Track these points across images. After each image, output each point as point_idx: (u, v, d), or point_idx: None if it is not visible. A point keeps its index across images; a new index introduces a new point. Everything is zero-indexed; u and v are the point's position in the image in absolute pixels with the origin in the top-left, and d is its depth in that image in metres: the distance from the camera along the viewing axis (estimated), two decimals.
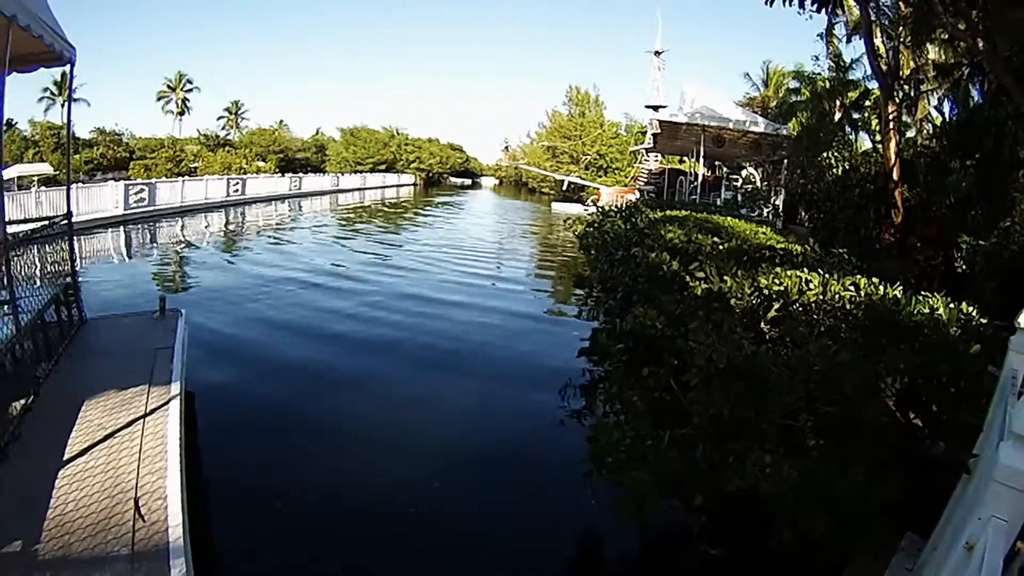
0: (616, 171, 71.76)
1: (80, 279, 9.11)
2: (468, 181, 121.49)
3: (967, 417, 4.54)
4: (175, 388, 6.50)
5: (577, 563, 6.14)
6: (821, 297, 5.84)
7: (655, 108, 48.09)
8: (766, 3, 11.11)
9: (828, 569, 4.65)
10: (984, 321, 5.58)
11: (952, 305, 5.71)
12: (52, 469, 5.03)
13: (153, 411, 6.01)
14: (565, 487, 6.89)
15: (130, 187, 30.41)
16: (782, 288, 5.98)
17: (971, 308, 5.71)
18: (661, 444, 4.61)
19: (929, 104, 27.04)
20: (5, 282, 6.11)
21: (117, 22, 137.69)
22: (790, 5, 11.01)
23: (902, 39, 22.29)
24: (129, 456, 5.22)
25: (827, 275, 6.35)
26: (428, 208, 52.62)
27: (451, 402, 9.72)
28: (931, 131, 25.69)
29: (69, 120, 9.06)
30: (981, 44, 11.83)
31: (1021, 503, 2.76)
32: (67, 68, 7.99)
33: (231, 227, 31.91)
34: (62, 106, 79.70)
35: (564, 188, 65.23)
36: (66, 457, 5.20)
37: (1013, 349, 4.22)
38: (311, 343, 11.91)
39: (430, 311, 14.84)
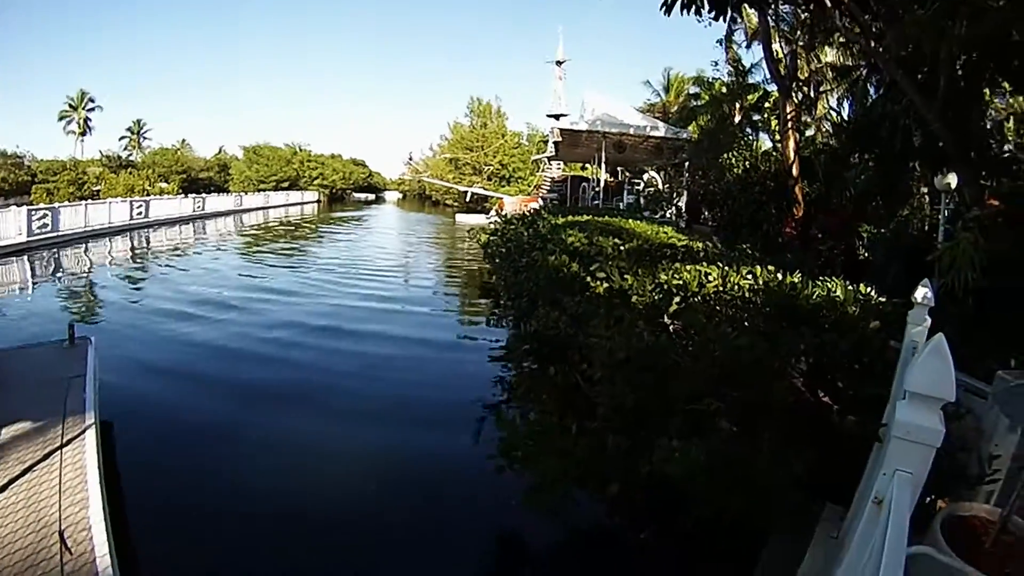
0: (519, 180, 72.10)
1: None
2: (372, 196, 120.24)
3: (873, 389, 4.79)
4: (90, 417, 6.38)
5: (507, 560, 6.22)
6: (721, 288, 6.08)
7: (556, 117, 48.58)
8: (663, 11, 11.40)
9: (751, 543, 4.85)
10: (883, 300, 5.90)
11: (850, 287, 6.03)
12: None
13: (70, 441, 5.89)
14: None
15: (33, 212, 29.19)
16: (682, 282, 6.20)
17: (868, 289, 6.04)
18: (569, 435, 4.76)
19: (828, 104, 28.12)
20: None
21: (15, 38, 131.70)
22: (688, 14, 11.32)
23: (800, 44, 23.24)
24: (49, 489, 5.10)
25: (727, 268, 6.62)
26: (331, 225, 51.89)
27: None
28: (830, 129, 26.76)
29: None
30: (875, 45, 12.43)
31: (921, 455, 3.01)
32: None
33: (135, 251, 30.98)
34: None
35: (468, 199, 65.32)
36: None
37: (911, 322, 4.54)
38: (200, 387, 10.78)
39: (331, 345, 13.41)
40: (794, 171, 19.66)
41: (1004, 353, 5.92)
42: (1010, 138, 16.97)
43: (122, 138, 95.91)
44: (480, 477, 6.93)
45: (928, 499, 3.88)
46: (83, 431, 6.04)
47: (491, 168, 75.48)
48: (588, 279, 7.20)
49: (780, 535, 4.82)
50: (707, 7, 11.33)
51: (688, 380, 4.63)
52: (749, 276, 6.22)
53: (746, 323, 5.58)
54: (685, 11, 11.28)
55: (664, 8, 11.38)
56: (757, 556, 4.82)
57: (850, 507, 4.53)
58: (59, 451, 5.68)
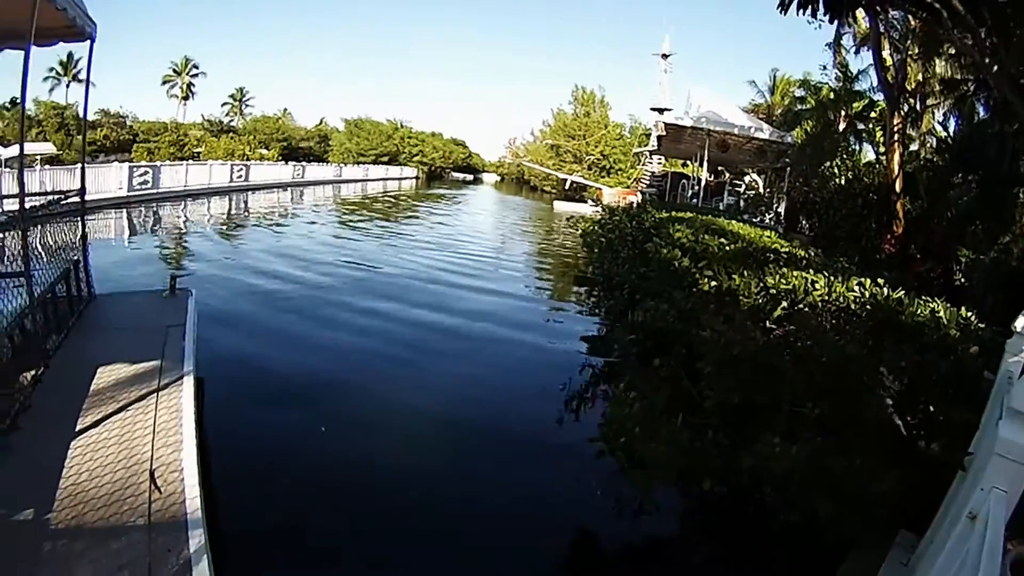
0: (619, 172, 71.63)
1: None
2: (470, 177, 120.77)
3: (963, 416, 4.65)
4: (188, 365, 6.52)
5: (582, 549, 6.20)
6: (826, 297, 5.96)
7: (660, 111, 47.77)
8: (780, 10, 11.18)
9: (824, 567, 4.76)
10: (982, 326, 5.70)
11: (952, 309, 5.84)
12: (64, 439, 5.02)
13: (166, 386, 6.02)
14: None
15: (135, 169, 30.33)
16: (789, 287, 6.11)
17: (970, 314, 5.85)
18: (675, 424, 4.74)
19: (934, 118, 27.13)
20: (19, 254, 6.13)
21: (121, 2, 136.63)
22: (803, 13, 11.09)
23: (909, 52, 22.45)
24: (143, 429, 5.23)
25: (832, 277, 6.49)
26: (428, 203, 51.89)
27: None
28: (934, 145, 25.85)
29: (87, 98, 8.83)
30: (988, 60, 11.95)
31: (1019, 474, 2.96)
32: (87, 44, 7.86)
33: (231, 213, 31.88)
34: (67, 86, 79.54)
35: (566, 187, 65.07)
36: (79, 428, 5.21)
37: (1009, 351, 4.38)
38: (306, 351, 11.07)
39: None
40: (897, 186, 19.12)
41: None
42: None
43: (224, 104, 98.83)
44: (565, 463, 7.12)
45: (1005, 535, 3.75)
46: (180, 377, 6.18)
47: (592, 158, 75.23)
48: (697, 276, 7.14)
49: (856, 556, 4.73)
50: (823, 8, 11.08)
51: (792, 383, 4.57)
52: (856, 287, 6.08)
53: (848, 333, 5.45)
54: (801, 11, 11.06)
55: (781, 7, 11.17)
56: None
57: (925, 534, 4.44)
58: (155, 394, 5.83)
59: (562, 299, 17.59)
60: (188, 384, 6.07)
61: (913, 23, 20.63)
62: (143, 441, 5.06)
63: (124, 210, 26.66)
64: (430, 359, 10.95)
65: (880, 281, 6.36)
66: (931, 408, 5.18)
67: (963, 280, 16.35)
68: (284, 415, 8.01)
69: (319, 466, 6.80)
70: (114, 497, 4.36)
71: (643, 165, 53.71)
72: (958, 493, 4.08)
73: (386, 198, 52.77)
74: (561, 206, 53.29)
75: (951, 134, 24.84)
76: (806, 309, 5.87)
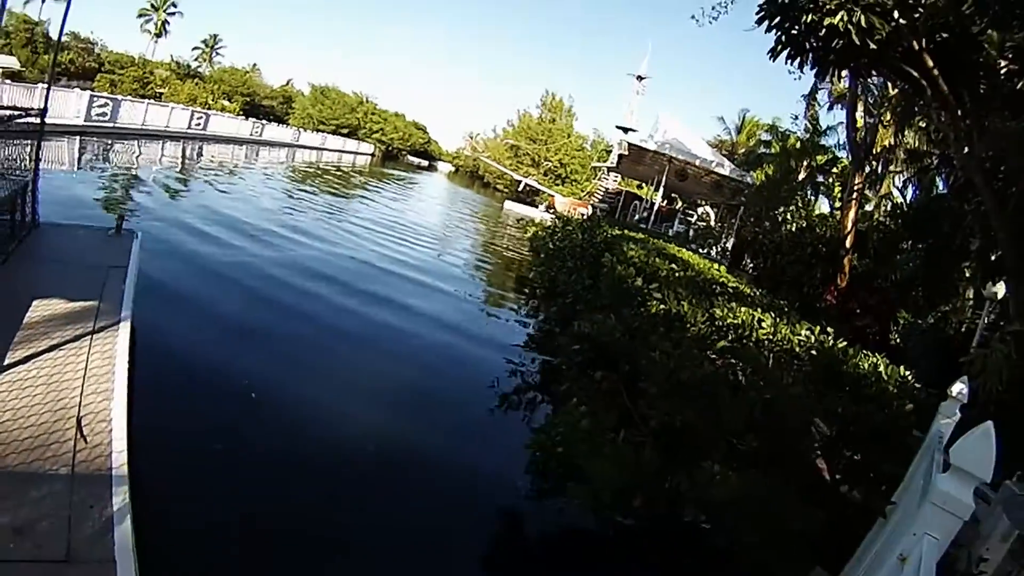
0: (574, 182, 71.75)
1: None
2: (425, 163, 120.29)
3: (889, 468, 4.83)
4: (126, 310, 6.26)
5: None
6: (771, 337, 6.10)
7: (625, 130, 48.23)
8: (770, 56, 11.39)
9: None
10: (919, 386, 5.92)
11: (892, 366, 6.03)
12: None
13: (101, 329, 5.77)
14: None
15: (95, 99, 29.45)
16: (736, 322, 6.22)
17: (908, 373, 6.05)
18: (619, 442, 4.79)
19: (893, 183, 27.94)
20: None
21: None
22: (790, 63, 11.33)
23: (881, 118, 23.07)
24: (74, 372, 5.01)
25: (777, 318, 6.64)
26: (382, 182, 51.34)
27: None
28: (889, 208, 26.59)
29: (65, 18, 8.44)
30: (959, 141, 12.38)
31: (950, 524, 3.18)
32: None
33: (185, 160, 31.22)
34: (42, 0, 77.15)
35: (519, 188, 65.12)
36: (7, 362, 4.96)
37: (942, 413, 4.61)
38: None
39: None
40: (848, 242, 19.65)
41: (1012, 466, 5.94)
42: None
43: (195, 48, 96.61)
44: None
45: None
46: (117, 322, 5.94)
47: (549, 164, 75.41)
48: (647, 296, 7.21)
49: None
50: (810, 64, 11.32)
51: (733, 415, 4.66)
52: (805, 332, 6.23)
53: (789, 375, 5.59)
54: (789, 61, 11.27)
55: (771, 53, 11.37)
56: None
57: (840, 573, 4.58)
58: (89, 336, 5.59)
59: (499, 303, 17.25)
60: (124, 330, 5.84)
61: (891, 91, 21.21)
62: (72, 385, 4.85)
63: (77, 139, 25.78)
64: (351, 351, 10.40)
65: (829, 330, 6.53)
66: (855, 456, 5.33)
67: (899, 341, 16.87)
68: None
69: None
70: (38, 442, 4.16)
71: (599, 180, 54.15)
72: (878, 538, 4.25)
73: (340, 171, 52.04)
74: (511, 206, 53.29)
75: (907, 201, 25.66)
76: (751, 345, 5.98)
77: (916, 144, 24.00)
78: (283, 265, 14.04)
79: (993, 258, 14.09)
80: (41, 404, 4.57)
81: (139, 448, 4.63)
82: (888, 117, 23.14)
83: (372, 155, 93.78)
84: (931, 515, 3.17)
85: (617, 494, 4.66)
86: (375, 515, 5.84)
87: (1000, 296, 12.14)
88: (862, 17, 9.97)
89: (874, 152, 24.08)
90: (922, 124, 21.29)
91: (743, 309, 6.61)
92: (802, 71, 11.55)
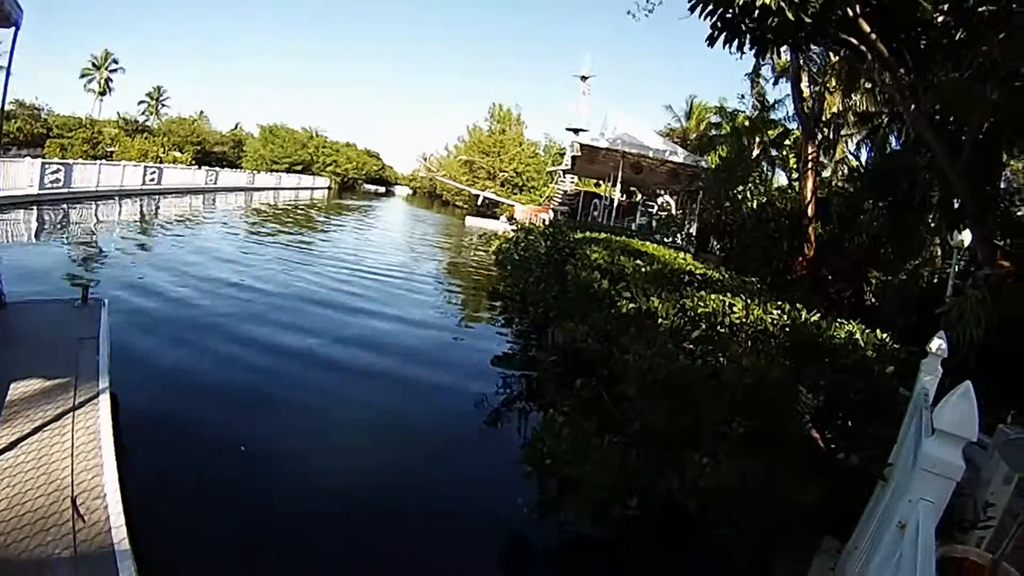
0: (532, 189, 71.81)
1: None
2: (382, 189, 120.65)
3: (880, 431, 4.92)
4: (103, 381, 6.17)
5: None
6: (744, 319, 6.16)
7: (576, 131, 48.43)
8: (708, 43, 11.53)
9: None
10: (897, 347, 6.01)
11: (868, 331, 6.13)
12: None
13: (82, 404, 5.71)
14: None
15: (47, 166, 29.06)
16: (707, 310, 6.28)
17: (884, 335, 6.15)
18: (604, 446, 4.84)
19: (847, 147, 28.31)
20: None
21: None
22: (728, 47, 11.46)
23: (827, 85, 23.42)
24: (61, 452, 4.96)
25: (748, 300, 6.71)
26: (341, 215, 51.18)
27: None
28: (846, 173, 26.96)
29: (5, 89, 8.29)
30: (905, 98, 12.58)
31: (943, 487, 3.24)
32: (11, 30, 7.48)
33: (143, 218, 30.84)
34: None
35: (479, 203, 65.12)
36: None
37: (924, 370, 4.71)
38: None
39: None
40: (809, 211, 19.89)
41: (1003, 408, 6.05)
42: None
43: (141, 103, 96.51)
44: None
45: None
46: (96, 395, 5.87)
47: (505, 175, 75.46)
48: (616, 298, 7.25)
49: (783, 564, 4.91)
50: (749, 44, 11.46)
51: (715, 404, 4.72)
52: (774, 311, 6.31)
53: (766, 354, 5.66)
54: (727, 45, 11.41)
55: (708, 41, 11.52)
56: None
57: (849, 539, 4.67)
58: (71, 413, 5.52)
59: (475, 319, 17.11)
60: (104, 402, 5.78)
61: (833, 59, 21.55)
62: (62, 465, 4.80)
63: (34, 209, 25.60)
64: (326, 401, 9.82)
65: (799, 305, 6.62)
66: (849, 423, 5.42)
67: (874, 300, 17.08)
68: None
69: None
70: (37, 527, 4.13)
71: (556, 183, 54.37)
72: (880, 501, 4.33)
73: (298, 208, 51.75)
74: (473, 222, 53.27)
75: (863, 163, 25.98)
76: (724, 331, 6.05)
77: (864, 106, 24.37)
78: (252, 315, 13.64)
79: (955, 207, 14.33)
80: (34, 488, 4.52)
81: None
82: (833, 83, 23.52)
83: (328, 188, 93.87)
84: (923, 480, 3.25)
85: (609, 497, 4.71)
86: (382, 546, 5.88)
87: (967, 244, 12.34)
88: None
89: (824, 119, 24.44)
90: (868, 86, 21.62)
91: (713, 296, 6.67)
92: (742, 52, 11.68)
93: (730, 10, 10.91)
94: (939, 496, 3.23)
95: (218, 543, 5.59)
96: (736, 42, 11.38)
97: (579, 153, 34.86)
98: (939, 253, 18.09)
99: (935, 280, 16.22)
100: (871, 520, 4.35)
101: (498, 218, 50.74)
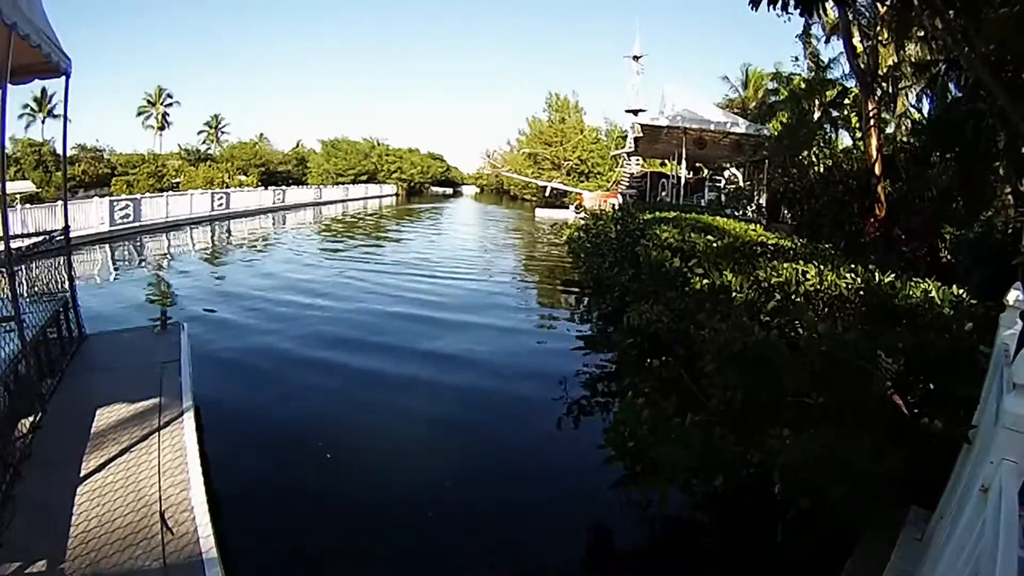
0: (598, 175, 71.52)
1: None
2: (449, 190, 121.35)
3: (963, 391, 4.74)
4: (187, 400, 6.42)
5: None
6: (818, 287, 6.03)
7: (635, 112, 47.77)
8: (752, 6, 11.30)
9: (836, 551, 4.79)
10: (975, 302, 5.79)
11: (943, 288, 5.92)
12: (70, 485, 4.93)
13: (167, 423, 5.94)
14: None
15: (115, 203, 30.11)
16: (781, 280, 6.16)
17: (961, 291, 5.94)
18: (684, 425, 4.78)
19: (907, 100, 27.43)
20: (8, 298, 6.06)
21: (95, 34, 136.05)
22: (773, 9, 11.21)
23: (879, 38, 22.69)
24: (148, 470, 5.15)
25: (822, 266, 6.55)
26: (410, 220, 51.37)
27: None
28: (910, 127, 26.11)
29: (65, 135, 8.70)
30: (959, 41, 12.13)
31: None
32: (63, 80, 7.78)
33: (215, 243, 31.44)
34: (43, 122, 79.30)
35: (546, 194, 65.09)
36: (83, 473, 5.12)
37: (1003, 324, 4.50)
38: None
39: None
40: (876, 170, 19.27)
41: None
42: None
43: (200, 132, 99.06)
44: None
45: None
46: (180, 414, 6.11)
47: (570, 163, 75.29)
48: (688, 275, 7.18)
49: (869, 536, 4.79)
50: (792, 3, 11.20)
51: (793, 375, 4.63)
52: (848, 275, 6.15)
53: (842, 320, 5.53)
54: (771, 6, 11.17)
55: (752, 4, 11.29)
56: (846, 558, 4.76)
57: (936, 509, 4.52)
58: (157, 433, 5.74)
59: (554, 307, 17.18)
60: (189, 420, 5.99)
61: (881, 9, 20.87)
62: (150, 482, 4.98)
63: (107, 245, 26.48)
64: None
65: (871, 267, 6.44)
66: (931, 386, 5.25)
67: (949, 257, 16.52)
68: None
69: None
70: (127, 542, 4.28)
71: (621, 167, 53.94)
72: (965, 466, 4.17)
73: (367, 218, 52.28)
74: (543, 213, 53.17)
75: (925, 115, 25.14)
76: (799, 300, 5.92)
77: (920, 55, 23.58)
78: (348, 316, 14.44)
79: (1023, 151, 13.77)
80: (124, 506, 4.71)
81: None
82: (885, 35, 22.76)
83: (396, 195, 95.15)
84: (1006, 440, 3.04)
85: (692, 477, 4.66)
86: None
87: None
88: None
89: (880, 73, 23.68)
90: (920, 34, 20.91)
91: (786, 265, 6.54)
92: (788, 13, 11.42)
93: None
94: (1022, 455, 3.04)
95: None
96: (779, 3, 11.14)
97: (640, 134, 34.51)
98: (1011, 202, 17.37)
99: (1009, 231, 15.62)
100: (957, 487, 4.19)
101: (567, 207, 50.61)
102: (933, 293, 5.80)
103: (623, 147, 50.90)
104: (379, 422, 8.67)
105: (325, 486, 6.75)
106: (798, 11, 11.54)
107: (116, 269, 22.31)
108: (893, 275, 6.28)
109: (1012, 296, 4.50)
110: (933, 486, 4.59)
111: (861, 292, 5.90)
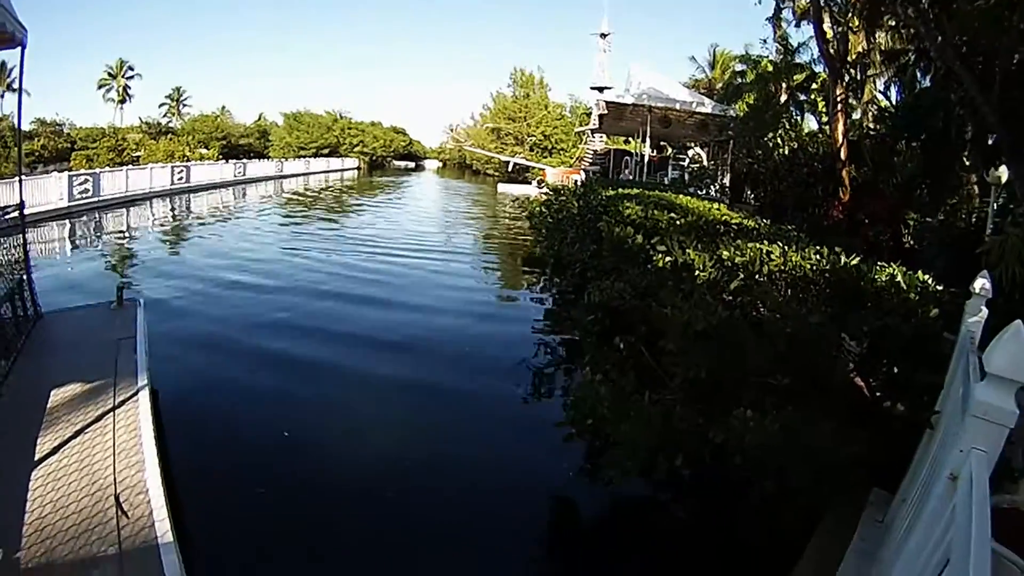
0: (561, 152, 71.50)
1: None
2: (412, 164, 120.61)
3: (925, 377, 4.77)
4: (142, 379, 6.26)
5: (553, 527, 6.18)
6: (782, 267, 6.02)
7: (600, 89, 47.96)
8: None
9: (800, 529, 4.82)
10: (940, 288, 5.83)
11: (910, 273, 5.95)
12: (25, 470, 4.80)
13: (122, 403, 5.79)
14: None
15: (74, 178, 29.42)
16: (745, 259, 6.15)
17: (927, 277, 5.97)
18: (644, 403, 4.77)
19: (875, 88, 27.65)
20: None
21: (52, 5, 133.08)
22: None
23: (850, 24, 22.83)
24: (103, 451, 5.02)
25: (786, 247, 6.55)
26: (372, 193, 51.38)
27: None
28: (876, 113, 26.37)
29: (20, 107, 8.47)
30: (931, 31, 12.23)
31: (996, 434, 3.06)
32: (19, 51, 7.49)
33: (175, 217, 31.17)
34: (0, 96, 77.38)
35: (509, 169, 65.08)
36: (38, 457, 4.98)
37: (968, 312, 4.55)
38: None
39: None
40: (842, 154, 19.49)
41: None
42: None
43: (161, 105, 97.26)
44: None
45: None
46: (135, 393, 5.95)
47: (533, 139, 75.19)
48: (651, 252, 7.15)
49: (832, 516, 4.84)
50: None
51: (756, 355, 4.62)
52: (814, 256, 6.15)
53: (809, 303, 5.54)
54: None
55: None
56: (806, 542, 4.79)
57: (897, 492, 4.60)
58: (111, 413, 5.60)
59: (515, 285, 17.37)
60: (144, 400, 5.85)
61: None
62: (104, 464, 4.87)
63: (67, 221, 25.92)
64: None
65: (837, 249, 6.45)
66: (894, 370, 5.28)
67: (912, 243, 16.73)
68: None
69: None
70: (82, 528, 4.19)
71: (585, 144, 54.04)
72: (928, 450, 4.21)
73: (329, 191, 52.22)
74: (505, 188, 53.30)
75: (893, 103, 25.39)
76: (763, 280, 5.91)
77: (890, 44, 23.77)
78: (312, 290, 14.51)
79: (990, 142, 13.95)
80: (78, 491, 4.59)
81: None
82: (856, 22, 22.90)
83: (358, 168, 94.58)
84: (975, 428, 3.08)
85: (651, 456, 4.65)
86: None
87: (1004, 179, 11.94)
88: None
89: (849, 60, 23.85)
90: (891, 23, 21.07)
91: (750, 245, 6.52)
92: None
93: None
94: (992, 444, 3.06)
95: None
96: None
97: (605, 111, 34.53)
98: (976, 191, 17.62)
99: (974, 219, 15.85)
100: (920, 470, 4.23)
101: (530, 183, 50.65)
102: (899, 278, 5.82)
103: (588, 124, 50.96)
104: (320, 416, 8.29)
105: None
106: None
107: (74, 246, 21.79)
108: (858, 258, 6.29)
109: (978, 284, 4.53)
110: (894, 468, 4.65)
111: (826, 274, 5.91)
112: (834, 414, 4.43)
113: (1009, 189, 12.14)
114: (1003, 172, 11.77)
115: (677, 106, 30.27)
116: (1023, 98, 12.62)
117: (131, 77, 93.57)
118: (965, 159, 16.85)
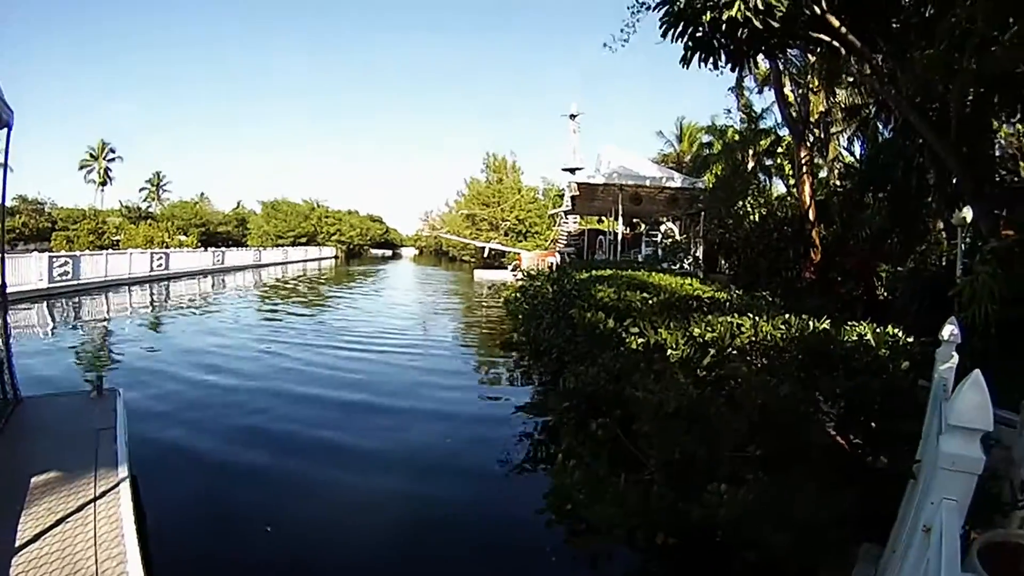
0: (536, 235, 71.73)
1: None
2: (388, 252, 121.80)
3: (905, 427, 4.85)
4: (123, 470, 6.21)
5: None
6: (754, 338, 6.12)
7: (572, 171, 48.43)
8: (683, 64, 11.66)
9: None
10: (911, 340, 5.94)
11: (879, 330, 6.07)
12: (5, 557, 4.75)
13: (104, 494, 5.73)
14: None
15: (54, 259, 29.57)
16: (716, 335, 6.25)
17: (896, 330, 6.10)
18: (619, 485, 4.82)
19: (839, 144, 28.34)
20: None
21: (38, 85, 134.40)
22: (704, 65, 11.60)
23: (810, 86, 23.53)
24: (84, 542, 4.96)
25: (756, 317, 6.67)
26: (349, 283, 50.64)
27: None
28: (842, 170, 26.94)
29: (4, 187, 8.33)
30: (886, 84, 12.65)
31: (964, 483, 3.19)
32: (3, 131, 7.56)
33: (154, 305, 30.70)
34: None
35: (485, 255, 65.14)
36: (18, 544, 4.91)
37: (939, 359, 4.65)
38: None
39: None
40: (811, 215, 19.89)
41: None
42: (1022, 168, 17.10)
43: (142, 189, 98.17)
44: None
45: (964, 528, 3.96)
46: (116, 484, 5.89)
47: (508, 223, 75.67)
48: (624, 335, 7.23)
49: (825, 574, 4.84)
50: (724, 59, 11.59)
51: (730, 429, 4.69)
52: (783, 325, 6.27)
53: (779, 370, 5.62)
54: (702, 63, 11.54)
55: (683, 61, 11.65)
56: None
57: (887, 544, 4.58)
58: (93, 503, 5.55)
59: (495, 376, 16.52)
60: (125, 491, 5.78)
61: (811, 58, 21.68)
62: (86, 555, 4.80)
63: (45, 303, 25.93)
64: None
65: (804, 316, 6.58)
66: (872, 424, 5.36)
67: (886, 294, 16.96)
68: None
69: None
70: None
71: (559, 225, 54.59)
72: (912, 500, 4.26)
73: (306, 281, 51.38)
74: (482, 274, 53.01)
75: (857, 157, 26.00)
76: (735, 352, 6.00)
77: (850, 100, 24.45)
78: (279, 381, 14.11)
79: (953, 185, 14.26)
80: None
81: None
82: (816, 83, 23.62)
83: (336, 257, 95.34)
84: (944, 479, 3.20)
85: (630, 534, 4.68)
86: None
87: (968, 220, 12.16)
88: (758, 0, 10.23)
89: (812, 120, 24.52)
90: (849, 80, 21.73)
91: (720, 319, 6.64)
92: (719, 68, 11.81)
93: (699, 29, 11.05)
94: (962, 493, 3.17)
95: None
96: (711, 59, 11.51)
97: (577, 192, 35.00)
98: (944, 236, 17.94)
99: (943, 263, 16.09)
100: (905, 521, 4.28)
101: (506, 268, 50.85)
102: (868, 336, 5.94)
103: (560, 206, 51.53)
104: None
105: None
106: (728, 66, 11.93)
107: (53, 329, 21.65)
108: (829, 320, 6.41)
109: (947, 331, 4.63)
110: (883, 520, 4.66)
111: (796, 341, 6.01)
112: (817, 475, 4.49)
113: (975, 228, 12.38)
114: (967, 212, 11.97)
115: (647, 183, 30.67)
116: (979, 138, 13.05)
117: (112, 160, 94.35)
118: (931, 205, 17.18)
